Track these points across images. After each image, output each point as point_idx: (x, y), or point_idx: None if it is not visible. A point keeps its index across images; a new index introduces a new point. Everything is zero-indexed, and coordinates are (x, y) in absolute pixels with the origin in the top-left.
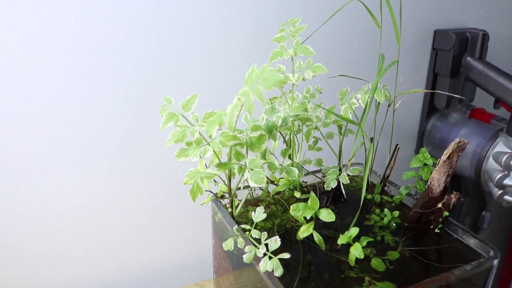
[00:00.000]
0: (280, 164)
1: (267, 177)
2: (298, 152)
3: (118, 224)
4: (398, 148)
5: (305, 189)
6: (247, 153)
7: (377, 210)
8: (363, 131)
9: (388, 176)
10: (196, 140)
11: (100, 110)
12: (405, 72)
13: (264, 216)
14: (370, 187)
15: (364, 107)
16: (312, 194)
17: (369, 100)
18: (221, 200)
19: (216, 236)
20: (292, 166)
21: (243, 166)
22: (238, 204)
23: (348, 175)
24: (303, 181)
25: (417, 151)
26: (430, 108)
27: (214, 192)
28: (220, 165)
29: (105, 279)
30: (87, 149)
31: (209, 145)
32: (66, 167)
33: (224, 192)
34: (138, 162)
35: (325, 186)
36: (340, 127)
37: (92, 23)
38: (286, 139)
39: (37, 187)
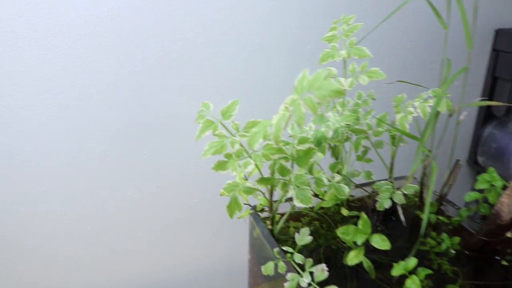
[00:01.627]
0: (328, 180)
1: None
2: (345, 162)
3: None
4: (460, 165)
5: (353, 205)
6: (292, 167)
7: (433, 233)
8: (424, 148)
9: (446, 195)
10: (236, 151)
11: (135, 114)
12: (462, 74)
13: (309, 239)
14: (424, 204)
15: (424, 117)
16: (364, 216)
17: (431, 111)
18: (259, 213)
19: (253, 252)
20: (341, 182)
21: (287, 182)
22: (279, 219)
23: (404, 193)
24: (350, 195)
25: (469, 162)
26: (487, 114)
27: (253, 205)
28: (262, 180)
29: (134, 282)
30: (119, 151)
31: (251, 158)
32: (98, 168)
33: (264, 206)
34: (170, 165)
35: (376, 206)
36: (393, 138)
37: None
38: (334, 150)
39: (67, 186)
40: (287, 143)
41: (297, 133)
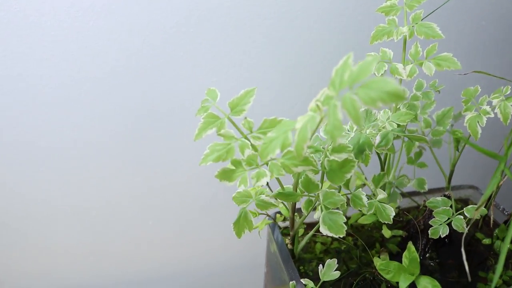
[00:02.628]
0: (368, 197)
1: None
2: (393, 167)
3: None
4: None
5: (397, 220)
6: (322, 181)
7: (499, 268)
8: (507, 170)
9: None
10: (247, 158)
11: (151, 110)
12: None
13: (336, 275)
14: (487, 225)
15: (504, 121)
16: (411, 248)
17: None
18: (279, 224)
19: (269, 267)
20: (386, 201)
21: (313, 200)
22: (303, 234)
23: (465, 216)
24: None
25: None
26: None
27: (271, 214)
28: (281, 195)
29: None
30: (134, 136)
31: (267, 167)
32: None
33: (285, 217)
34: (190, 153)
35: (429, 232)
36: (457, 141)
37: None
38: (382, 158)
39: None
40: (317, 150)
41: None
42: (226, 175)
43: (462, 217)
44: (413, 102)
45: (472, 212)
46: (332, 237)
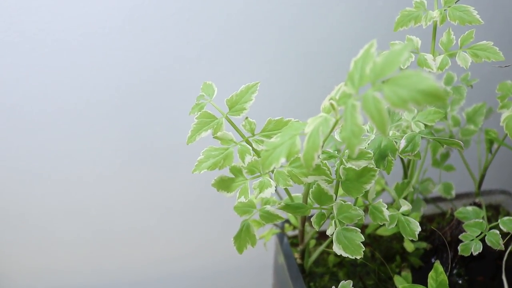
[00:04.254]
0: (389, 206)
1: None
2: (416, 169)
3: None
4: None
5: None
6: (336, 192)
7: None
8: None
9: None
10: (249, 166)
11: (153, 110)
12: None
13: None
14: None
15: None
16: (440, 274)
17: None
18: (288, 234)
19: (277, 280)
20: (409, 214)
21: (326, 213)
22: (314, 246)
23: (501, 230)
24: None
25: None
26: None
27: (279, 223)
28: (289, 208)
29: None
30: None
31: (273, 174)
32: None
33: (294, 226)
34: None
35: (459, 249)
36: (490, 142)
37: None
38: (405, 161)
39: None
40: (331, 156)
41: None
42: (224, 184)
43: (497, 231)
44: None
45: (509, 225)
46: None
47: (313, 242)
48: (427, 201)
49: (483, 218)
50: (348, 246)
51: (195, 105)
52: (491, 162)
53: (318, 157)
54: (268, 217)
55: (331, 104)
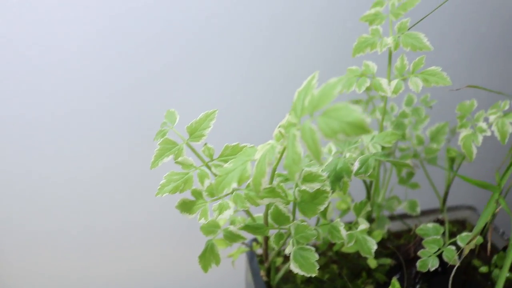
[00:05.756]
0: (350, 227)
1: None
2: (383, 187)
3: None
4: None
5: (387, 246)
6: (294, 213)
7: None
8: (501, 197)
9: None
10: (207, 189)
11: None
12: None
13: None
14: (485, 253)
15: (501, 140)
16: (396, 286)
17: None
18: (256, 253)
19: None
20: (364, 234)
21: (284, 233)
22: (281, 265)
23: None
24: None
25: None
26: None
27: (248, 241)
28: (249, 228)
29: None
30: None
31: (231, 197)
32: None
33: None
34: None
35: (417, 265)
36: (452, 160)
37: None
38: (367, 181)
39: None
40: (287, 179)
41: (304, 163)
42: (186, 206)
43: (454, 247)
44: (401, 119)
45: (467, 240)
46: None
47: (280, 259)
48: (394, 218)
49: (443, 234)
50: (303, 265)
51: (159, 131)
52: (453, 179)
53: (264, 184)
54: (231, 237)
55: (280, 132)
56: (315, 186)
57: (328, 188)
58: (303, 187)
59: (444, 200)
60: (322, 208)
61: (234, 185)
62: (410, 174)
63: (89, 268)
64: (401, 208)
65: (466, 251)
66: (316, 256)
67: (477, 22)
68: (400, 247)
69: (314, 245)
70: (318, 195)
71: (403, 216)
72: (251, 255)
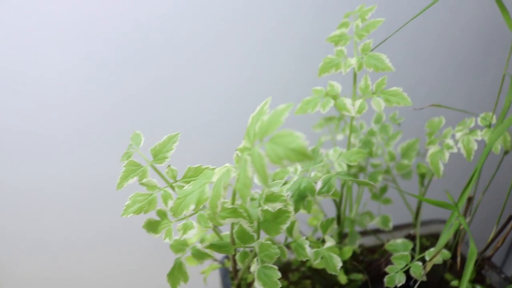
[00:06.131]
0: (313, 244)
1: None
2: (356, 201)
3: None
4: None
5: (361, 259)
6: (258, 232)
7: None
8: (460, 216)
9: (489, 258)
10: (171, 209)
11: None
12: None
13: None
14: (457, 267)
15: (467, 157)
16: None
17: (485, 149)
18: (229, 270)
19: None
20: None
21: (250, 252)
22: (250, 282)
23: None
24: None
25: None
26: None
27: (220, 259)
28: (214, 247)
29: None
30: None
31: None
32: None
33: None
34: None
35: (385, 282)
36: (422, 176)
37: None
38: (336, 200)
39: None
40: (251, 198)
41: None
42: (151, 226)
43: (420, 263)
44: (369, 137)
45: (437, 258)
46: (288, 281)
47: (252, 276)
48: (367, 233)
49: (414, 249)
50: (267, 283)
51: (124, 153)
52: (424, 194)
53: (220, 206)
54: (199, 255)
55: (237, 155)
56: (277, 206)
57: (291, 208)
58: (266, 207)
59: (417, 215)
60: (284, 227)
61: (192, 207)
62: (383, 190)
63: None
64: (374, 223)
65: (427, 268)
66: (279, 275)
67: (445, 41)
68: (372, 262)
69: (288, 261)
70: (280, 215)
71: (377, 231)
72: (223, 271)
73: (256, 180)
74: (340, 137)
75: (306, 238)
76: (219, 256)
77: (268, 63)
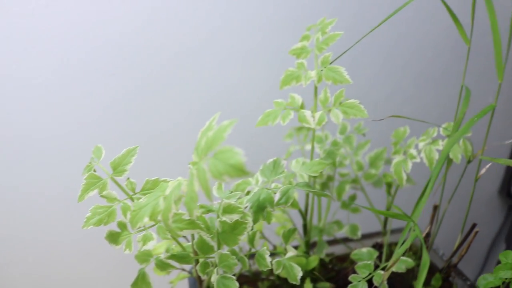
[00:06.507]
0: (280, 254)
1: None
2: (325, 211)
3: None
4: (476, 231)
5: (330, 268)
6: (218, 243)
7: None
8: (416, 226)
9: (455, 265)
10: (129, 221)
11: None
12: (502, 91)
13: None
14: (429, 273)
15: (429, 166)
16: None
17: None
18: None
19: None
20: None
21: (208, 263)
22: None
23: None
24: (326, 255)
25: (501, 192)
26: None
27: (189, 269)
28: (175, 257)
29: None
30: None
31: (156, 228)
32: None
33: None
34: None
35: None
36: (389, 185)
37: None
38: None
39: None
40: (209, 210)
41: (223, 195)
42: (112, 237)
43: (383, 272)
44: (332, 148)
45: (399, 265)
46: None
47: None
48: (337, 241)
49: (380, 258)
50: None
51: (86, 166)
52: (391, 203)
53: (170, 218)
54: (162, 265)
55: (190, 167)
56: (234, 217)
57: (249, 219)
58: (224, 218)
59: (385, 223)
60: (242, 238)
61: (146, 219)
62: (352, 198)
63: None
64: (343, 232)
65: (385, 278)
66: (237, 285)
67: (401, 58)
68: (341, 270)
69: (257, 270)
70: (238, 226)
71: (346, 240)
72: (192, 281)
73: (214, 192)
74: (308, 147)
75: (275, 248)
76: (188, 266)
77: (247, 75)
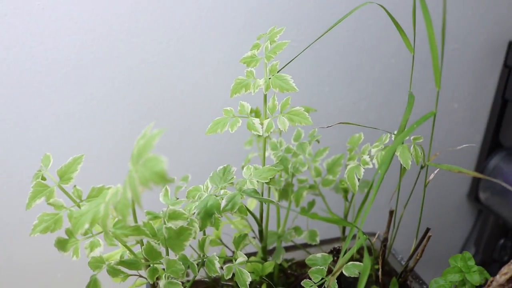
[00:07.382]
0: (219, 264)
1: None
2: (284, 217)
3: None
4: (429, 236)
5: (289, 273)
6: (167, 249)
7: None
8: (360, 232)
9: (411, 270)
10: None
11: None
12: (463, 96)
13: None
14: (383, 280)
15: (379, 171)
16: None
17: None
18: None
19: None
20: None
21: (156, 269)
22: None
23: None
24: (285, 259)
25: (470, 197)
26: (494, 143)
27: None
28: (123, 263)
29: None
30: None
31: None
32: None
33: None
34: None
35: None
36: (345, 191)
37: None
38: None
39: None
40: (155, 216)
41: (169, 201)
42: (61, 244)
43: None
44: (285, 154)
45: (352, 270)
46: None
47: None
48: (297, 247)
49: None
50: None
51: (35, 174)
52: (349, 209)
53: (109, 225)
54: (113, 271)
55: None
56: (179, 223)
57: (196, 224)
58: (169, 225)
59: (344, 229)
60: (187, 244)
61: (87, 225)
62: (311, 204)
63: None
64: (302, 237)
65: (330, 282)
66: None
67: (357, 63)
68: (300, 276)
69: (217, 276)
70: (183, 232)
71: (306, 246)
72: (149, 287)
73: (161, 199)
74: (267, 154)
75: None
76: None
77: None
